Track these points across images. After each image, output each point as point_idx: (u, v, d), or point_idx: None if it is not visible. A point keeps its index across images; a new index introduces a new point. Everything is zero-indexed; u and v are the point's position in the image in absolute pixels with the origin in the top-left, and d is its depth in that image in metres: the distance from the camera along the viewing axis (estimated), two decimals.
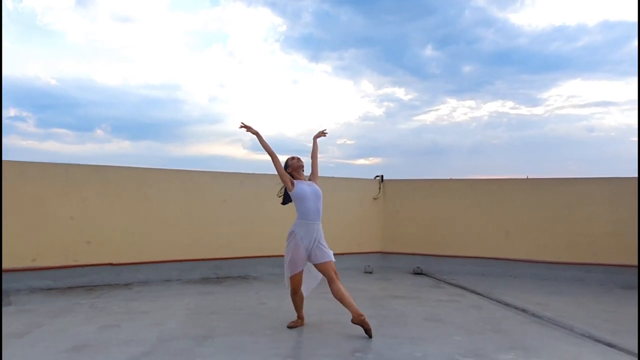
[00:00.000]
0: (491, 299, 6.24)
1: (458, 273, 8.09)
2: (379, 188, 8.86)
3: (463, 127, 20.44)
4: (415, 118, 20.73)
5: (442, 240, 8.44)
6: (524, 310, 5.61)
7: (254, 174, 7.76)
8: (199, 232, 7.12)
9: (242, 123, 4.69)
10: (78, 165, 6.46)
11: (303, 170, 4.81)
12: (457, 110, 20.41)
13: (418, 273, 8.16)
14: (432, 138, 20.75)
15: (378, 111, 21.11)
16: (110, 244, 6.51)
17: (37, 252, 6.06)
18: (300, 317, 4.79)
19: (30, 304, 5.31)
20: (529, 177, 8.26)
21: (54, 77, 18.37)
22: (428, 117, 20.60)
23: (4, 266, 5.80)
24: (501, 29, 18.54)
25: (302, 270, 4.62)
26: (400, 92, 20.61)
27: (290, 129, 21.18)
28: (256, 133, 4.70)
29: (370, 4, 18.54)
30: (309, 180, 4.84)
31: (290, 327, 4.65)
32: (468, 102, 20.20)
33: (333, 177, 8.74)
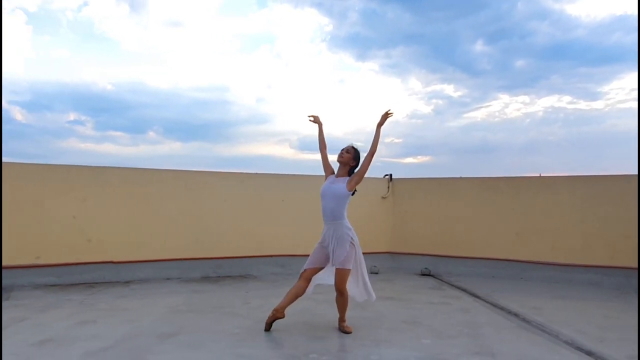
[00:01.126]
0: (487, 301, 6.01)
1: (468, 275, 7.83)
2: (388, 187, 8.71)
3: (516, 124, 19.69)
4: (465, 115, 20.21)
5: (452, 240, 8.20)
6: (515, 315, 5.37)
7: (255, 173, 7.83)
8: (199, 231, 7.24)
9: (311, 115, 4.89)
10: (78, 166, 6.73)
11: (345, 166, 4.63)
12: (509, 107, 19.71)
13: (425, 274, 7.96)
14: (482, 136, 20.14)
15: (426, 109, 20.74)
16: (111, 243, 6.73)
17: (41, 250, 6.36)
18: (279, 308, 4.51)
19: (26, 299, 5.56)
20: (541, 175, 7.89)
21: (110, 82, 19.26)
22: (478, 114, 20.01)
23: (9, 263, 6.12)
24: (557, 21, 17.73)
25: (311, 269, 4.54)
26: (449, 89, 20.16)
27: (337, 129, 21.18)
28: (320, 124, 4.87)
29: (417, 1, 18.28)
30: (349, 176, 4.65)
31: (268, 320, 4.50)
32: (521, 97, 19.42)
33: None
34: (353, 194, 4.61)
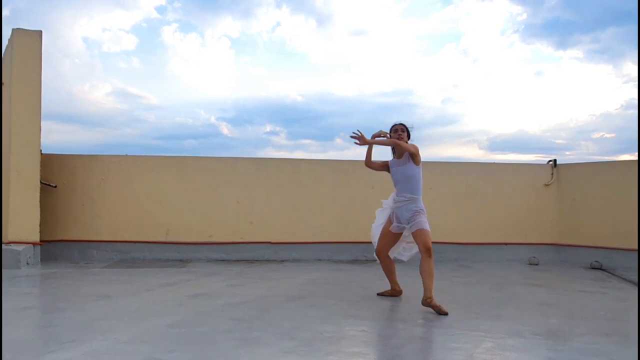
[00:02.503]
0: None
1: None
2: (552, 173, 8.00)
3: None
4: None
5: (630, 230, 7.15)
6: None
7: None
8: (349, 216, 7.62)
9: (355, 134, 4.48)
10: (242, 158, 7.69)
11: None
12: None
13: (596, 268, 7.11)
14: None
15: None
16: (269, 225, 7.52)
17: (213, 230, 7.42)
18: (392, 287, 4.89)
19: (196, 268, 6.54)
20: None
21: (300, 93, 21.09)
22: None
23: (189, 239, 7.31)
24: None
25: (385, 249, 4.85)
26: None
27: (533, 126, 19.58)
28: (370, 142, 4.64)
29: None
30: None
31: (379, 294, 4.85)
32: None
33: (495, 162, 8.27)
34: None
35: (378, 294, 4.89)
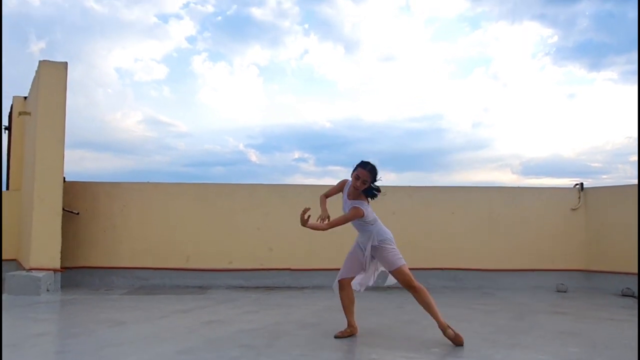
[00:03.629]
0: None
1: None
2: (579, 197, 7.76)
3: None
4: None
5: None
6: None
7: (422, 186, 7.85)
8: None
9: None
10: (262, 184, 7.74)
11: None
12: None
13: (627, 295, 6.80)
14: None
15: None
16: (289, 252, 7.48)
17: (233, 256, 7.43)
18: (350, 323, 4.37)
19: (215, 295, 6.53)
20: None
21: (329, 120, 21.20)
22: None
23: (209, 266, 7.32)
24: None
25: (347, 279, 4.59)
26: None
27: (567, 149, 19.18)
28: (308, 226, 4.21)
29: None
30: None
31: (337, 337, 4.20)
32: None
33: (520, 186, 8.10)
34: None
35: (335, 337, 4.19)
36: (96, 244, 7.25)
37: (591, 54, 17.89)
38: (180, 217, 7.47)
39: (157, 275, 7.30)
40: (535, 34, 18.98)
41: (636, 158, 17.30)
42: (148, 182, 7.59)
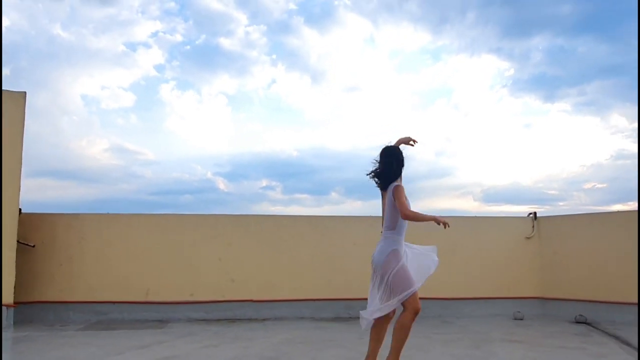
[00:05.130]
0: (637, 349, 5.10)
1: (634, 324, 6.60)
2: (532, 226, 8.03)
3: None
4: None
5: (614, 283, 7.12)
6: None
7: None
8: (330, 273, 7.57)
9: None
10: (224, 215, 7.72)
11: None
12: None
13: (581, 322, 7.01)
14: None
15: (636, 147, 18.33)
16: (251, 283, 7.44)
17: (194, 289, 7.34)
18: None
19: (174, 329, 6.44)
20: None
21: (296, 148, 21.51)
22: None
23: (169, 299, 7.21)
24: None
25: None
26: None
27: (525, 177, 20.01)
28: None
29: (614, 30, 16.87)
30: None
31: None
32: None
33: (476, 216, 8.33)
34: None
35: None
36: (52, 277, 7.05)
37: (545, 86, 18.93)
38: (140, 249, 7.36)
39: (115, 310, 7.14)
40: (493, 66, 20.00)
41: (591, 185, 18.04)
42: (107, 214, 7.49)
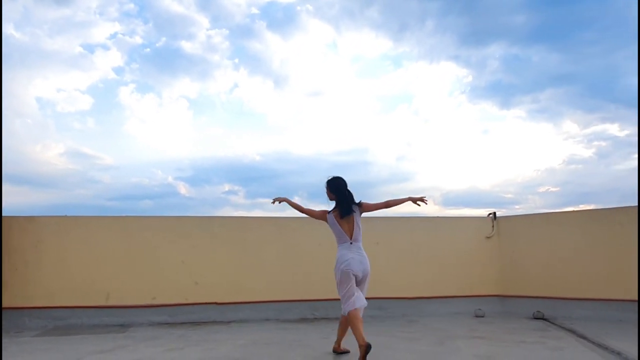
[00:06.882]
0: (592, 342, 5.32)
1: (590, 319, 6.90)
2: (492, 226, 8.26)
3: None
4: (637, 156, 18.11)
5: (569, 280, 7.40)
6: (618, 354, 4.70)
7: None
8: (295, 274, 7.57)
9: (273, 200, 5.12)
10: (187, 217, 7.62)
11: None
12: None
13: (538, 318, 7.25)
14: None
15: (587, 152, 19.06)
16: (215, 285, 7.36)
17: (156, 292, 7.20)
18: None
19: (137, 333, 6.31)
20: None
21: (258, 153, 21.37)
22: None
23: (130, 303, 7.05)
24: None
25: None
26: (613, 129, 18.36)
27: (483, 181, 20.55)
28: (284, 199, 5.10)
29: (566, 39, 17.49)
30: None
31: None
32: None
33: (439, 216, 8.49)
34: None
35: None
36: (6, 283, 6.78)
37: (501, 93, 19.60)
38: (100, 252, 7.17)
39: (74, 315, 6.93)
40: (452, 73, 20.57)
41: (545, 189, 18.71)
42: (65, 216, 7.26)
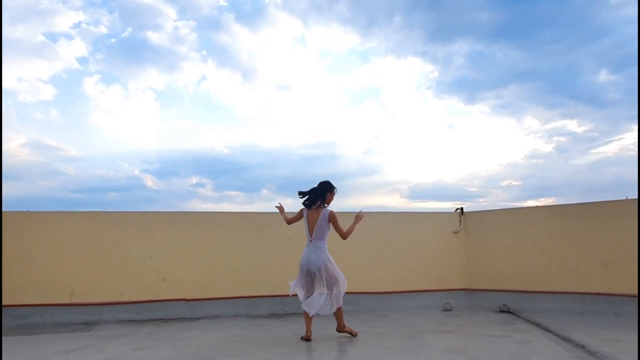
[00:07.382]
0: (557, 335, 5.47)
1: (552, 311, 7.13)
2: (460, 221, 8.40)
3: None
4: (594, 151, 18.66)
5: (532, 274, 7.60)
6: (582, 347, 4.85)
7: None
8: (265, 269, 7.53)
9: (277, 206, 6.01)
10: (154, 212, 7.47)
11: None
12: None
13: (504, 311, 7.43)
14: (616, 171, 18.29)
15: (547, 147, 19.62)
16: (184, 281, 7.26)
17: (123, 288, 7.05)
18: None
19: (103, 331, 6.17)
20: (628, 198, 7.11)
21: (226, 145, 21.16)
22: (609, 149, 18.36)
23: (96, 300, 6.89)
24: None
25: None
26: (572, 125, 18.93)
27: (449, 175, 20.91)
28: (281, 208, 6.01)
29: (528, 37, 17.86)
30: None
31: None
32: None
33: (407, 211, 8.59)
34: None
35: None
36: None
37: (466, 88, 20.01)
38: (64, 248, 6.98)
39: (36, 313, 6.72)
40: (418, 69, 20.90)
41: (507, 183, 19.20)
42: (27, 211, 7.02)
